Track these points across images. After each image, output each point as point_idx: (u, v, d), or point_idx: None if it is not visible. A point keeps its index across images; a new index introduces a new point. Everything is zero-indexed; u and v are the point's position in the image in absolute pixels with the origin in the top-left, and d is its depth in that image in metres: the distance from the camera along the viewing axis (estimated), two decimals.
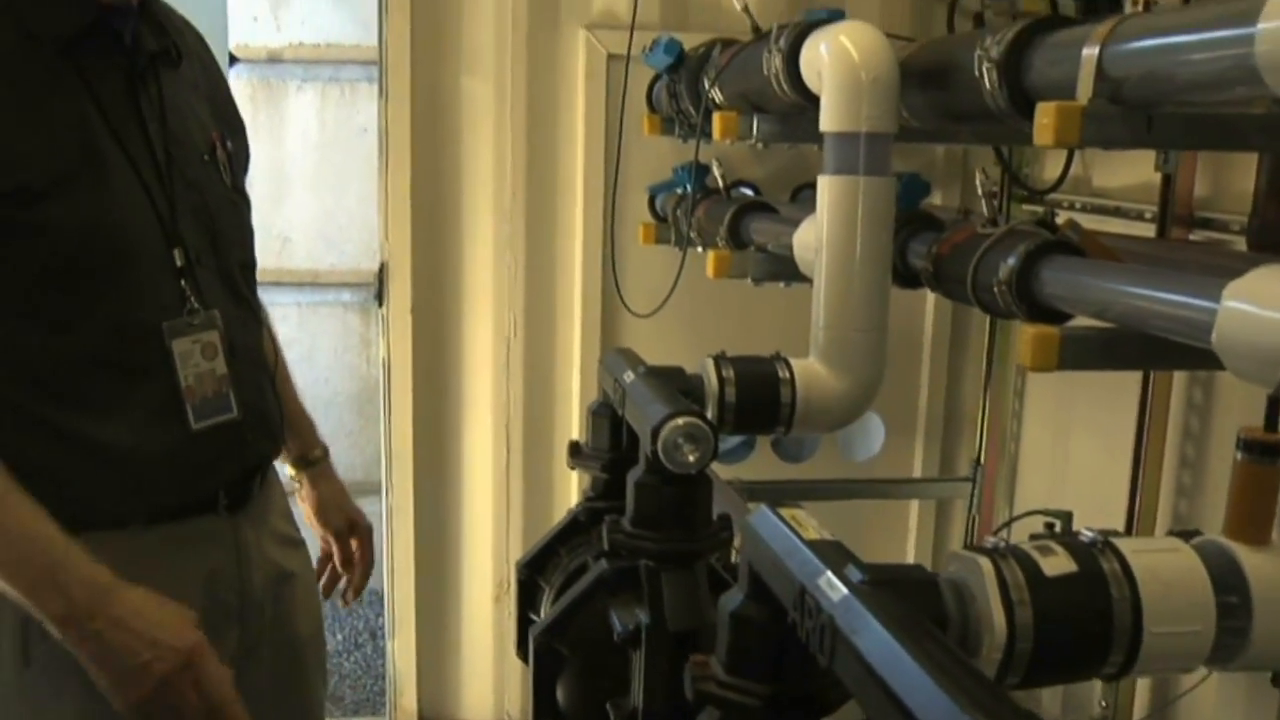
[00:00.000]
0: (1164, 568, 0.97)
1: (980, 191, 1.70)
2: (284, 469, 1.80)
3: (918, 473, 3.24)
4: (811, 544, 0.99)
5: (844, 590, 0.89)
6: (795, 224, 2.06)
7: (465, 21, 2.86)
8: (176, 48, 1.49)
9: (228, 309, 1.48)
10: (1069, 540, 0.98)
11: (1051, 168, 2.71)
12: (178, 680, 1.27)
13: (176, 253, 1.43)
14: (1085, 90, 1.29)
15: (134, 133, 1.39)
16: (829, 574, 0.92)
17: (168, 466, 1.44)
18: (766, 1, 2.78)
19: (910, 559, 3.26)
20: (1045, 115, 1.31)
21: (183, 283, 1.43)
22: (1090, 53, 1.28)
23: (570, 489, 3.05)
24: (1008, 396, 3.02)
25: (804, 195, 2.95)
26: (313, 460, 1.86)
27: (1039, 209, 2.69)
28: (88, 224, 1.33)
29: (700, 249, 2.49)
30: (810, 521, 1.06)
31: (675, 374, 1.72)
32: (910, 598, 0.91)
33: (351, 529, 1.89)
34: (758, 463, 2.89)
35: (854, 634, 0.83)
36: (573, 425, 3.02)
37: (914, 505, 3.27)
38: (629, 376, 1.70)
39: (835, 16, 1.99)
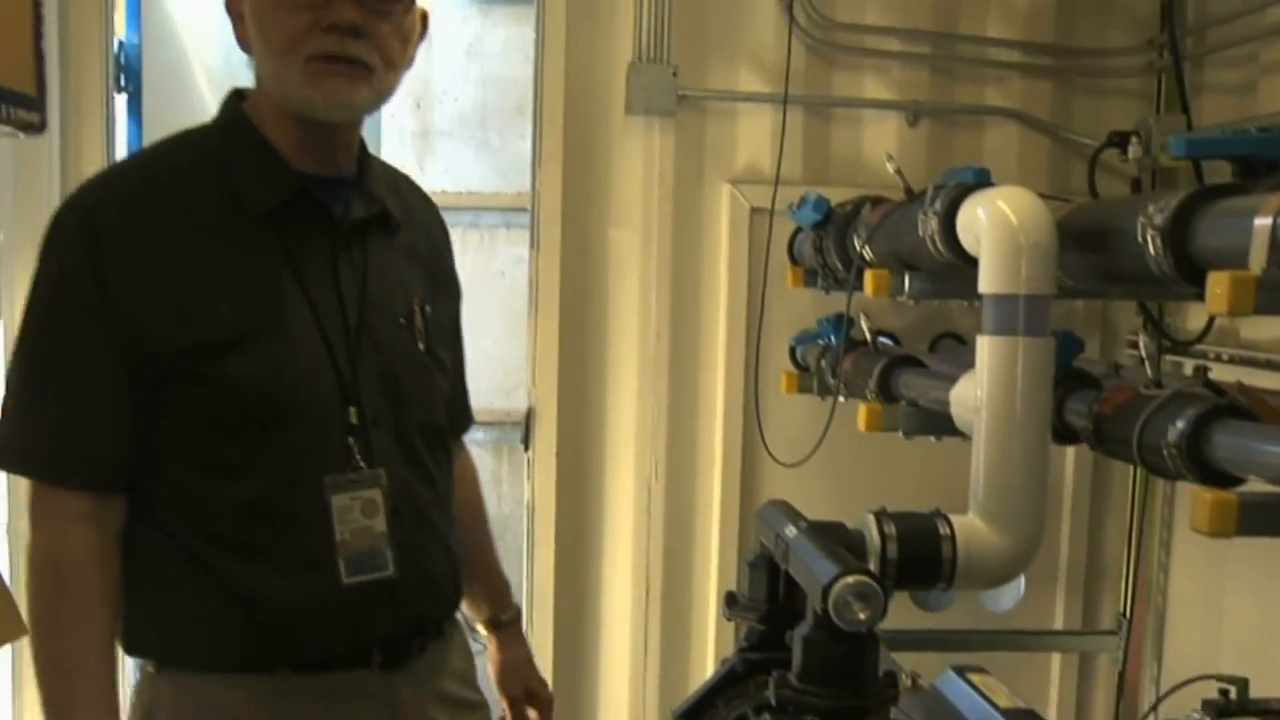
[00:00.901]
0: None
1: (1144, 354, 1.71)
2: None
3: (1059, 625, 3.18)
4: (1007, 713, 1.00)
5: None
6: (946, 378, 2.09)
7: (614, 175, 2.98)
8: (393, 216, 1.57)
9: (398, 469, 1.52)
10: None
11: (1195, 318, 2.70)
12: None
13: (352, 411, 1.48)
14: (1259, 260, 1.30)
15: (328, 296, 1.47)
16: None
17: (316, 617, 1.47)
18: (906, 156, 2.85)
19: (1053, 715, 3.18)
20: (1218, 285, 1.32)
21: (351, 440, 1.48)
22: (1264, 223, 1.30)
23: (708, 634, 3.05)
24: (1153, 548, 2.97)
25: (943, 344, 2.98)
26: (503, 622, 1.86)
27: (1183, 359, 2.69)
28: (264, 379, 1.41)
29: (842, 399, 2.53)
30: (1000, 688, 1.07)
31: (837, 529, 1.74)
32: None
33: (530, 698, 1.88)
34: (894, 610, 2.86)
35: None
36: (711, 570, 3.04)
37: (1055, 659, 3.20)
38: (791, 531, 1.73)
39: (981, 176, 2.04)
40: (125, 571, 1.47)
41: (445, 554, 1.61)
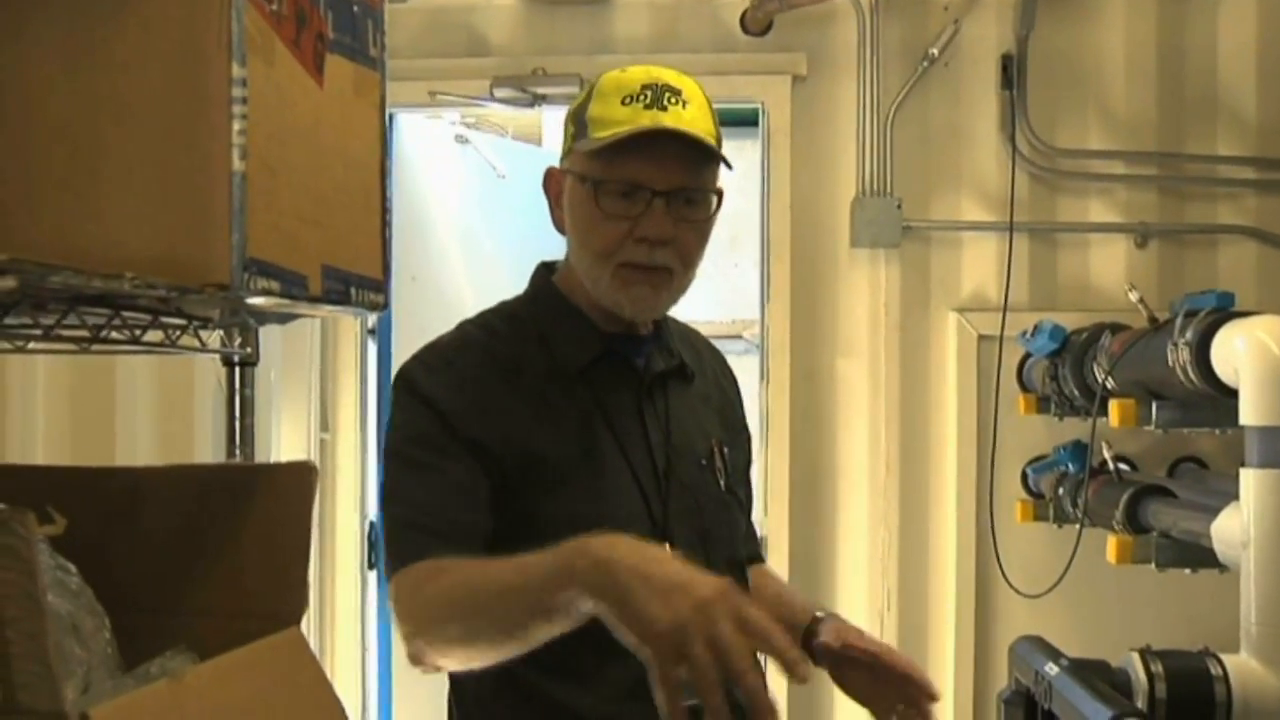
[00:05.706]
0: None
1: None
2: None
3: None
4: None
5: None
6: (1198, 509, 2.04)
7: (840, 307, 3.03)
8: (688, 366, 1.66)
9: None
10: None
11: None
12: (713, 606, 1.13)
13: (665, 546, 1.56)
14: None
15: (636, 440, 1.57)
16: None
17: None
18: (1136, 277, 2.82)
19: None
20: None
21: None
22: None
23: None
24: None
25: (1183, 469, 2.90)
26: (812, 628, 1.69)
27: None
28: (589, 517, 1.49)
29: (1079, 528, 2.48)
30: None
31: (1100, 667, 1.72)
32: None
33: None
34: None
35: None
36: (948, 703, 2.98)
37: None
38: (1051, 669, 1.72)
39: (1225, 300, 2.01)
40: (449, 692, 1.58)
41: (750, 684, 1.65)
